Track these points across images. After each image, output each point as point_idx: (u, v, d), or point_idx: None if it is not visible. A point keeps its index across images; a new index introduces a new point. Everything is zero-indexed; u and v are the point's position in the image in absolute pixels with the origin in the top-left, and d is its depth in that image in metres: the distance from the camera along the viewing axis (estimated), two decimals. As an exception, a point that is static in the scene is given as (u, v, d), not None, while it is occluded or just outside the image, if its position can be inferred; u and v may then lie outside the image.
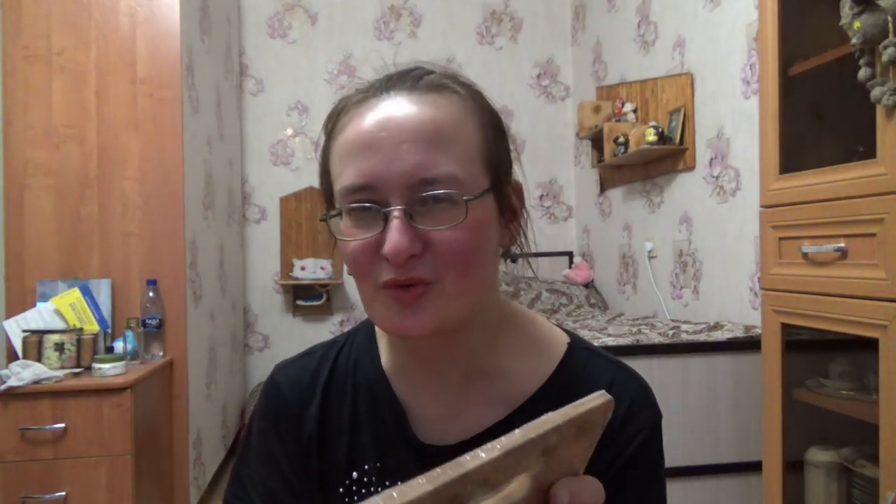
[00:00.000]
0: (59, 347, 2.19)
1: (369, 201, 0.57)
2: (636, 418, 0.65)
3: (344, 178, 0.58)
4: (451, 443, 0.65)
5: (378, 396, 0.68)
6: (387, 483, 0.66)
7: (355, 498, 0.67)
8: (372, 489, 0.66)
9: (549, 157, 4.16)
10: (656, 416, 0.67)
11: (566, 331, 0.72)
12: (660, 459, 0.67)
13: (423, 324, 0.57)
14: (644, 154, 2.93)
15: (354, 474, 0.67)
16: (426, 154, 0.56)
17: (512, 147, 0.65)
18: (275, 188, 3.95)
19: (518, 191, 0.66)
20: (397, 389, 0.68)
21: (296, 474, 0.68)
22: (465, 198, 0.56)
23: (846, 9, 1.32)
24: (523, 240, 0.67)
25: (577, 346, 0.70)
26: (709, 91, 2.65)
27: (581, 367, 0.67)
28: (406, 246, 0.55)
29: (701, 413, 2.00)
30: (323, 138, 0.64)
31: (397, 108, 0.58)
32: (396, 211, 0.55)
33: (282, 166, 3.97)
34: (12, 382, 2.00)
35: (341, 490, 0.67)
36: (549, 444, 0.36)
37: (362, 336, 0.73)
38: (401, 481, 0.72)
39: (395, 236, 0.55)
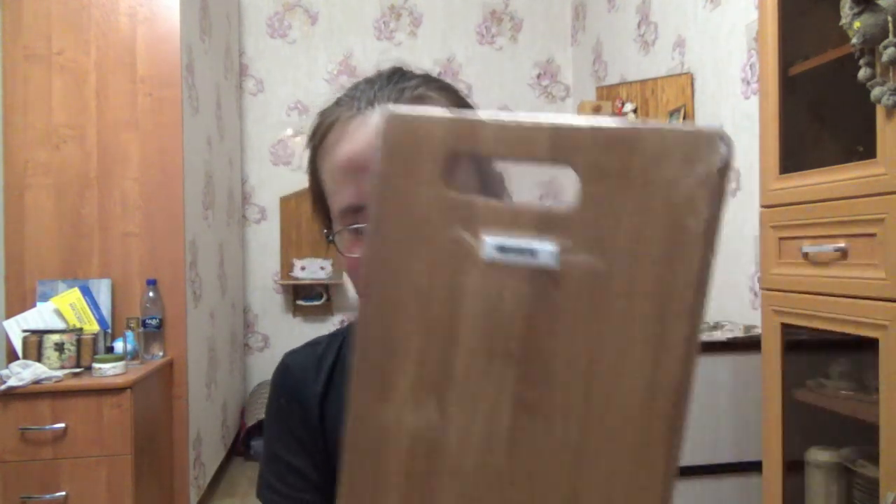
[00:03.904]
0: (59, 347, 2.19)
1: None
2: None
3: (341, 198, 0.59)
4: None
5: None
6: None
7: None
8: None
9: (549, 157, 4.16)
10: None
11: None
12: None
13: None
14: (644, 154, 2.93)
15: None
16: None
17: None
18: (275, 188, 3.95)
19: (500, 180, 0.65)
20: None
21: (315, 450, 0.69)
22: None
23: (846, 9, 1.32)
24: None
25: None
26: (709, 91, 2.65)
27: None
28: None
29: (700, 413, 1.99)
30: (308, 148, 0.64)
31: None
32: None
33: (282, 166, 3.97)
34: (12, 382, 2.00)
35: None
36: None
37: None
38: None
39: None
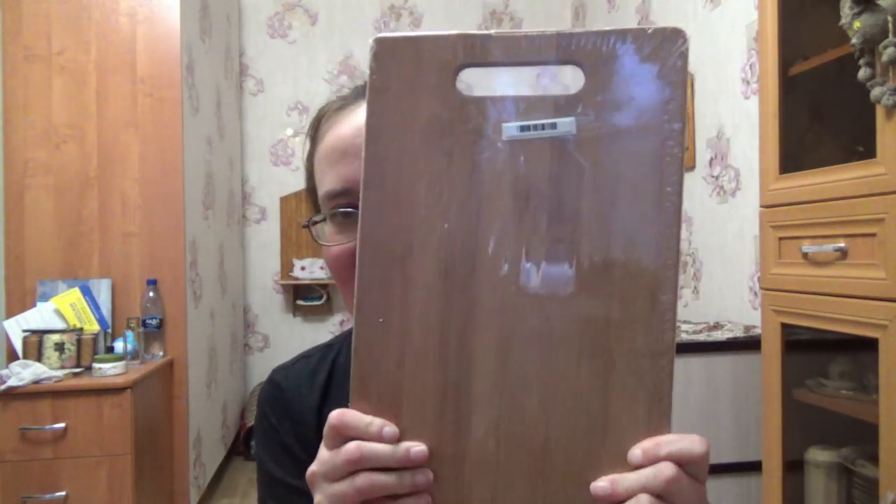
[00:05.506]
0: (60, 347, 2.19)
1: (350, 206, 0.57)
2: None
3: (325, 183, 0.60)
4: None
5: None
6: None
7: None
8: None
9: (549, 157, 4.16)
10: None
11: None
12: None
13: None
14: (644, 154, 2.93)
15: None
16: None
17: None
18: (275, 188, 3.95)
19: None
20: None
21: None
22: None
23: (846, 9, 1.32)
24: None
25: None
26: (709, 91, 2.65)
27: None
28: None
29: (701, 413, 1.99)
30: (308, 144, 0.66)
31: None
32: None
33: (282, 166, 3.97)
34: (12, 382, 2.00)
35: None
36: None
37: None
38: None
39: None
